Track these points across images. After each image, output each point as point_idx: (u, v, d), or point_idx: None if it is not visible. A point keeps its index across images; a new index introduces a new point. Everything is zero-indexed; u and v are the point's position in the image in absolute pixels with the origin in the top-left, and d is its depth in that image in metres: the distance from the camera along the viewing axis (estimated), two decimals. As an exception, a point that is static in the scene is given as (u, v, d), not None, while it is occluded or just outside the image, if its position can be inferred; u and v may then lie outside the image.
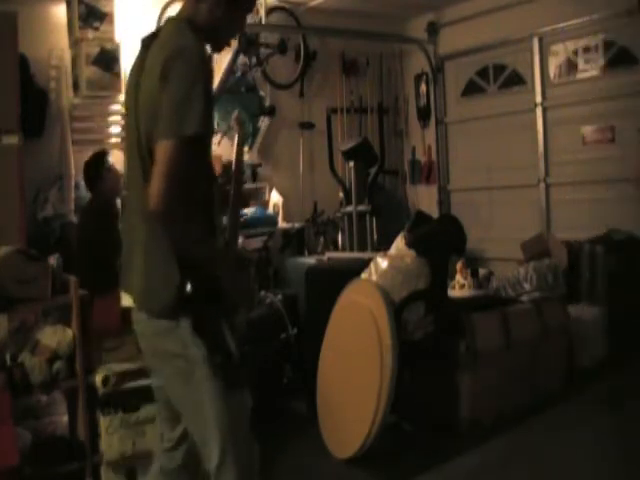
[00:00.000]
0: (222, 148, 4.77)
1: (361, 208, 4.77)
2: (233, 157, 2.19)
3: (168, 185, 1.67)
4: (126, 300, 2.39)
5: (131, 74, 1.93)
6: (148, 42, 1.88)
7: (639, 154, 3.90)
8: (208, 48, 1.93)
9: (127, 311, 2.07)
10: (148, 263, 1.89)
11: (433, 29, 5.87)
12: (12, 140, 3.49)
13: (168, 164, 1.68)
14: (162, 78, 1.73)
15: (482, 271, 4.78)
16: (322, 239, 5.20)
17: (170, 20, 1.91)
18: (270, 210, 4.97)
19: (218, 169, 4.18)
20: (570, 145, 5.07)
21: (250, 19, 4.90)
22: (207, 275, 1.81)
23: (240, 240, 4.04)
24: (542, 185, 5.24)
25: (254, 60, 5.02)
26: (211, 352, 1.82)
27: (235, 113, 2.56)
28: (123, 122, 4.21)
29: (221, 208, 2.10)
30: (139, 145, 1.82)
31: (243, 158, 2.20)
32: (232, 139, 4.94)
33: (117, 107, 4.34)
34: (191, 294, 1.78)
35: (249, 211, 4.63)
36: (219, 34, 1.93)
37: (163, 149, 1.69)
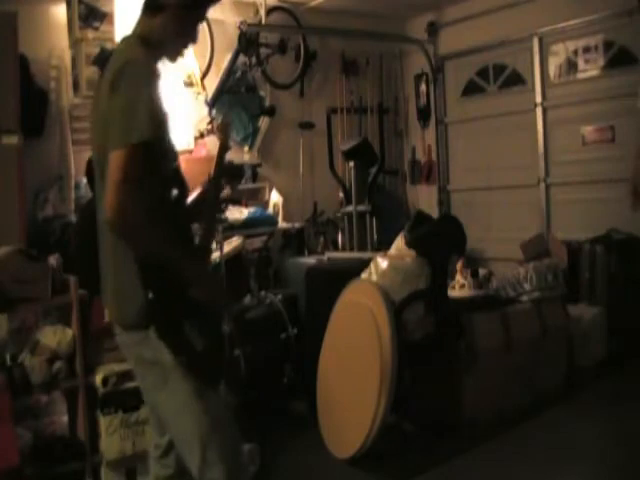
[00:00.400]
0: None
1: (361, 208, 4.77)
2: (214, 161, 2.23)
3: (120, 194, 1.71)
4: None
5: (94, 94, 2.02)
6: (106, 62, 1.97)
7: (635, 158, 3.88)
8: (163, 59, 2.01)
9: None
10: (115, 278, 1.96)
11: (433, 29, 5.87)
12: (12, 140, 3.49)
13: (118, 173, 1.73)
14: (110, 91, 1.81)
15: (482, 271, 4.78)
16: (322, 239, 5.20)
17: (123, 38, 1.99)
18: (270, 210, 4.97)
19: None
20: (570, 145, 5.06)
21: (250, 19, 4.91)
22: (169, 279, 1.84)
23: (240, 240, 4.04)
24: (542, 185, 5.24)
25: (254, 60, 5.02)
26: (176, 354, 1.86)
27: (220, 118, 2.56)
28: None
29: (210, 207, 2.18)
30: (99, 159, 1.88)
31: (224, 162, 2.22)
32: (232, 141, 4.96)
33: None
34: (153, 301, 1.82)
35: (249, 211, 4.63)
36: (173, 46, 2.00)
37: (113, 159, 1.75)
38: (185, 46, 2.04)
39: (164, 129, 1.89)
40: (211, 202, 2.19)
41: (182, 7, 1.93)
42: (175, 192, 2.04)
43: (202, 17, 2.03)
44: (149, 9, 1.96)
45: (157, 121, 1.80)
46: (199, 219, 2.16)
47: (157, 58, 1.97)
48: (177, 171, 2.03)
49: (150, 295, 1.82)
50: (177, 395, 1.91)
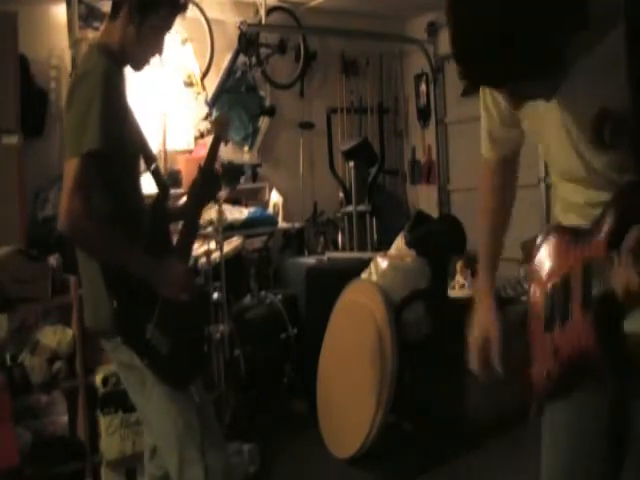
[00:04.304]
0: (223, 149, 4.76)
1: (361, 208, 4.77)
2: (206, 155, 2.22)
3: (70, 203, 1.75)
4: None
5: None
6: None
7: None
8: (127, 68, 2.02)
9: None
10: (86, 286, 2.01)
11: (433, 29, 5.86)
12: (12, 140, 3.49)
13: (69, 182, 1.76)
14: (67, 103, 1.87)
15: (482, 271, 4.78)
16: (322, 239, 5.20)
17: (88, 46, 2.03)
18: (270, 210, 4.97)
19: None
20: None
21: (250, 19, 4.91)
22: (133, 284, 1.88)
23: (240, 240, 4.04)
24: (542, 185, 5.24)
25: (254, 60, 5.02)
26: (140, 358, 1.89)
27: (217, 114, 2.53)
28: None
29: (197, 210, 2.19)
30: None
31: (216, 155, 2.21)
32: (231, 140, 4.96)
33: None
34: (118, 309, 1.86)
35: (249, 211, 4.63)
36: (134, 53, 1.99)
37: (66, 168, 1.79)
38: (149, 54, 2.03)
39: (123, 137, 1.91)
40: (198, 194, 2.18)
41: (137, 8, 1.92)
42: (156, 193, 2.07)
43: (164, 25, 2.01)
44: (111, 12, 1.98)
45: (111, 131, 1.81)
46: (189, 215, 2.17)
47: (119, 67, 1.97)
48: (156, 171, 2.06)
49: (115, 304, 1.85)
50: (153, 397, 1.95)
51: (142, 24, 1.93)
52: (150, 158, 2.07)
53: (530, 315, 1.50)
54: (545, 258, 1.46)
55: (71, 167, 1.77)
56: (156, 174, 2.07)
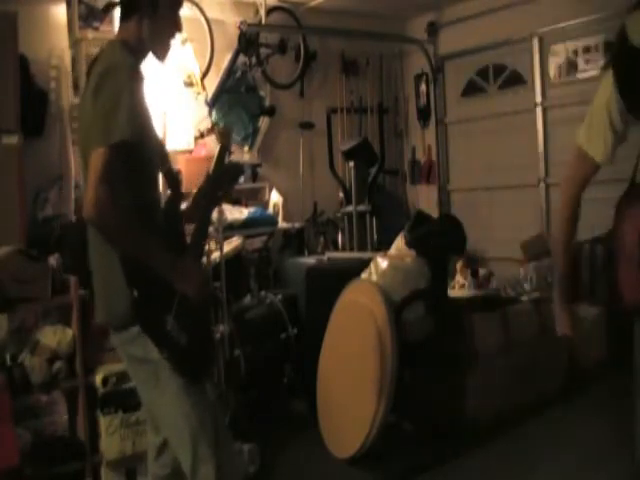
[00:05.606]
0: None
1: (361, 208, 4.77)
2: (213, 161, 2.24)
3: (98, 192, 1.74)
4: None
5: (80, 98, 2.05)
6: (92, 65, 2.02)
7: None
8: (150, 60, 2.04)
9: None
10: (101, 277, 1.99)
11: (433, 29, 5.87)
12: (12, 140, 3.49)
13: (97, 171, 1.77)
14: (93, 95, 1.86)
15: (482, 271, 4.78)
16: (322, 239, 5.20)
17: (109, 42, 2.03)
18: (270, 210, 4.97)
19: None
20: (570, 145, 5.01)
21: (250, 19, 4.91)
22: (152, 276, 1.87)
23: (240, 240, 4.04)
24: (542, 185, 5.24)
25: (254, 60, 5.02)
26: (159, 349, 1.89)
27: (221, 124, 2.56)
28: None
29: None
30: (83, 161, 1.93)
31: (223, 164, 2.23)
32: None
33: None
34: (138, 299, 1.86)
35: (249, 211, 4.63)
36: (155, 44, 2.02)
37: (93, 157, 1.79)
38: (170, 39, 2.05)
39: (145, 132, 1.93)
40: (206, 199, 2.20)
41: (148, 5, 1.95)
42: (168, 192, 2.07)
43: (176, 9, 2.04)
44: (123, 13, 2.00)
45: (137, 123, 1.84)
46: (195, 218, 2.17)
47: (140, 61, 2.00)
48: (170, 172, 2.07)
49: (135, 293, 1.85)
50: (167, 391, 1.94)
51: (156, 18, 1.97)
52: (164, 157, 2.08)
53: (622, 256, 1.96)
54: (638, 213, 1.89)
55: (99, 156, 1.77)
56: (169, 174, 2.08)
